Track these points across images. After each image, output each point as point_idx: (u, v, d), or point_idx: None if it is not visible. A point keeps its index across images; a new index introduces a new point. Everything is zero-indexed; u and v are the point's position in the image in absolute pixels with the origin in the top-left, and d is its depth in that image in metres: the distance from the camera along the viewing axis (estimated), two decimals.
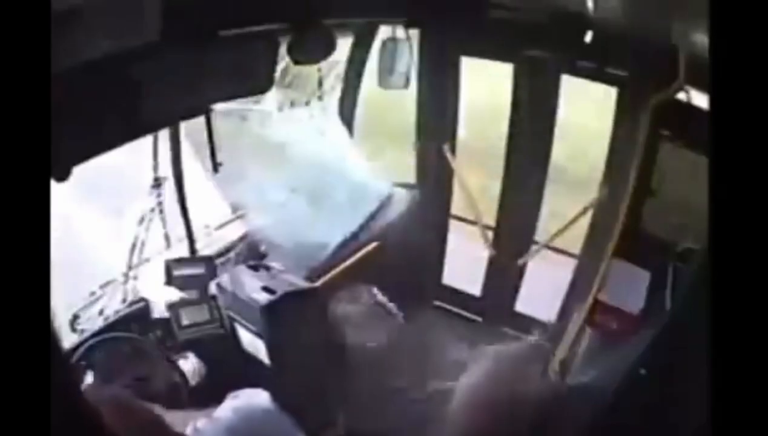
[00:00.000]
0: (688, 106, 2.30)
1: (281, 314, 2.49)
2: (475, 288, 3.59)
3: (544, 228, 3.28)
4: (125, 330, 2.33)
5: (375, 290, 3.13)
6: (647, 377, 1.76)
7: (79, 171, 1.57)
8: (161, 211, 2.73)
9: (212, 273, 2.68)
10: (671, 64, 2.08)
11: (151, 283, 2.62)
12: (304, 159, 3.19)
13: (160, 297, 2.52)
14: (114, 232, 2.84)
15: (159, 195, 2.70)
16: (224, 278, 2.62)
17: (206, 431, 1.29)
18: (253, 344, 2.53)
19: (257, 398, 1.41)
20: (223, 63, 1.93)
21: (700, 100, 2.27)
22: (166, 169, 2.67)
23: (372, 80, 3.04)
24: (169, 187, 2.70)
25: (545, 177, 3.16)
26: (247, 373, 2.49)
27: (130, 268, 2.64)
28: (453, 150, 3.35)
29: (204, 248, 2.92)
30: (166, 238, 2.80)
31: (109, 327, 2.33)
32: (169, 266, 2.64)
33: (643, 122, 2.29)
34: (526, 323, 3.46)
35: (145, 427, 1.23)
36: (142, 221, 2.68)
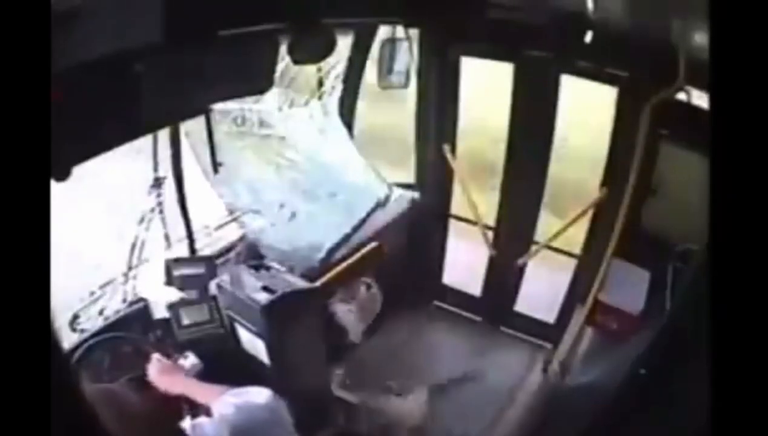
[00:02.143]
0: (688, 106, 2.30)
1: (281, 314, 2.49)
2: (475, 288, 3.59)
3: (544, 228, 3.28)
4: (125, 330, 2.33)
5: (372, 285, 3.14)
6: (647, 377, 1.76)
7: (79, 171, 1.57)
8: (161, 212, 2.73)
9: (212, 273, 2.68)
10: (671, 64, 2.08)
11: (151, 283, 2.62)
12: (303, 159, 3.19)
13: (160, 297, 2.52)
14: (114, 232, 2.84)
15: (159, 195, 2.70)
16: (224, 278, 2.62)
17: (205, 427, 1.28)
18: (253, 343, 2.53)
19: (259, 395, 1.41)
20: (223, 63, 1.93)
21: (700, 100, 2.27)
22: (166, 169, 2.67)
23: (372, 80, 3.04)
24: (169, 187, 2.70)
25: (545, 177, 3.16)
26: (247, 373, 2.49)
27: (130, 268, 2.63)
28: (453, 150, 3.35)
29: (204, 248, 2.92)
30: (166, 238, 2.80)
31: (109, 327, 2.33)
32: (169, 266, 2.64)
33: (643, 122, 2.29)
34: (526, 323, 3.46)
35: (139, 418, 1.24)
36: (142, 220, 2.67)
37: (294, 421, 1.42)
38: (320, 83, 3.36)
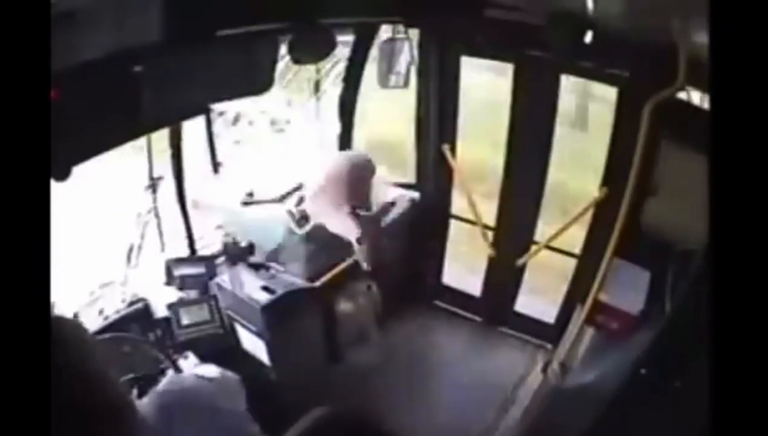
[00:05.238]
0: (688, 106, 2.30)
1: (281, 314, 2.49)
2: (475, 288, 3.59)
3: (544, 228, 3.28)
4: (125, 330, 2.33)
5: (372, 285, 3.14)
6: (647, 377, 1.76)
7: (79, 171, 1.57)
8: (159, 212, 2.73)
9: (212, 273, 2.69)
10: (671, 64, 2.07)
11: (151, 283, 2.62)
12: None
13: (160, 297, 2.53)
14: (114, 232, 2.84)
15: (156, 195, 2.70)
16: (224, 278, 2.62)
17: (144, 403, 1.20)
18: (253, 343, 2.53)
19: (204, 370, 1.34)
20: (223, 63, 1.93)
21: (700, 100, 2.27)
22: (165, 170, 2.67)
23: (372, 80, 3.04)
24: (168, 187, 2.70)
25: (545, 177, 3.16)
26: (247, 373, 2.49)
27: (129, 268, 2.64)
28: (453, 150, 3.35)
29: (204, 248, 2.92)
30: (165, 238, 2.80)
31: (109, 327, 2.33)
32: (169, 266, 2.64)
33: (643, 122, 2.28)
34: (526, 323, 3.46)
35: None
36: (141, 220, 2.68)
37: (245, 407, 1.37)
38: (320, 83, 3.36)
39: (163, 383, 1.28)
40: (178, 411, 1.20)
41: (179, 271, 2.63)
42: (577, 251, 3.17)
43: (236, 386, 1.38)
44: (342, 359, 3.03)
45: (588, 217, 3.03)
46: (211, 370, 1.35)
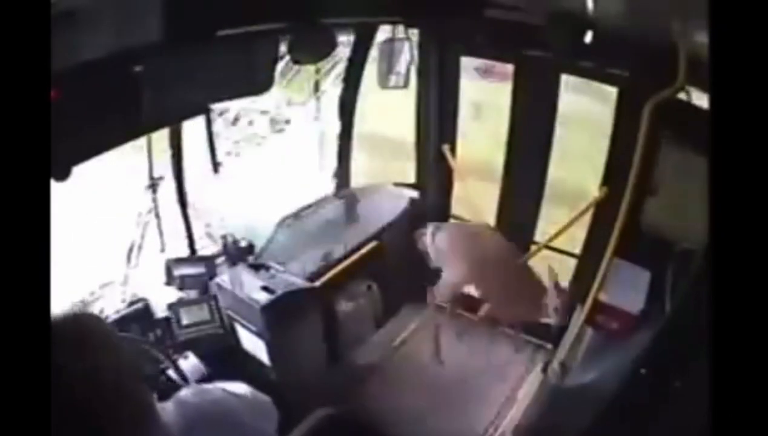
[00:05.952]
0: (688, 106, 2.30)
1: (281, 314, 2.49)
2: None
3: (544, 228, 3.28)
4: (125, 330, 2.33)
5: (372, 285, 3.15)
6: (647, 377, 1.76)
7: (79, 171, 1.57)
8: (159, 212, 2.73)
9: (212, 273, 2.69)
10: (671, 64, 2.07)
11: (151, 283, 2.62)
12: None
13: (160, 297, 2.53)
14: (114, 232, 2.84)
15: (157, 194, 2.70)
16: (224, 278, 2.62)
17: (166, 409, 1.15)
18: (253, 343, 2.53)
19: (234, 387, 1.29)
20: (222, 63, 1.93)
21: (700, 100, 2.27)
22: (165, 169, 2.67)
23: (372, 80, 3.04)
24: (168, 187, 2.70)
25: (545, 177, 3.16)
26: (247, 373, 2.49)
27: (129, 268, 2.64)
28: (453, 150, 3.35)
29: (204, 248, 2.92)
30: (165, 238, 2.81)
31: None
32: (169, 265, 2.64)
33: (643, 122, 2.28)
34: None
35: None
36: (141, 220, 2.68)
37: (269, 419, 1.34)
38: (319, 83, 3.36)
39: (187, 393, 1.23)
40: (200, 422, 1.17)
41: (179, 271, 2.63)
42: (577, 251, 3.17)
43: (266, 407, 1.33)
44: (342, 359, 3.03)
45: (588, 217, 3.03)
46: (241, 387, 1.31)
